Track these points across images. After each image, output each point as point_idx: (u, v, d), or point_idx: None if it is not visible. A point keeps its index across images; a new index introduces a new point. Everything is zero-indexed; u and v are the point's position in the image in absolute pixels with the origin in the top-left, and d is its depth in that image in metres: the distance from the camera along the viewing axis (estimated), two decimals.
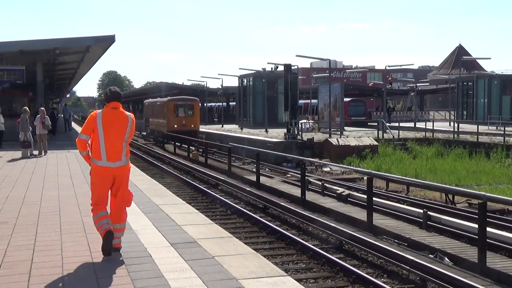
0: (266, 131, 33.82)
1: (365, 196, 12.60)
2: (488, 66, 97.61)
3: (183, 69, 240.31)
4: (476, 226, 9.08)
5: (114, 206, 6.24)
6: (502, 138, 26.06)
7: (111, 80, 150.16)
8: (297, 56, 44.28)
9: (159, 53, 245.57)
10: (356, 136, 28.43)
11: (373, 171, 14.41)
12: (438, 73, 78.56)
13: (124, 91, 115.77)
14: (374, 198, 12.50)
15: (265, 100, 38.00)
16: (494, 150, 24.44)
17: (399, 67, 59.99)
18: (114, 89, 6.29)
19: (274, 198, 14.85)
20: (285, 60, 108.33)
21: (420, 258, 8.58)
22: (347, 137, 28.34)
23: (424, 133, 31.80)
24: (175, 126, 36.18)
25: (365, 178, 14.76)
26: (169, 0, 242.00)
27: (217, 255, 6.12)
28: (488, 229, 9.15)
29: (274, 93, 41.40)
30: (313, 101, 45.33)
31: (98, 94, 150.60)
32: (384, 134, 29.95)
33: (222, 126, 43.72)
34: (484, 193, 9.20)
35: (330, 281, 8.16)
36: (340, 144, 26.13)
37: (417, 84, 64.19)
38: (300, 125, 30.33)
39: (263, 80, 39.94)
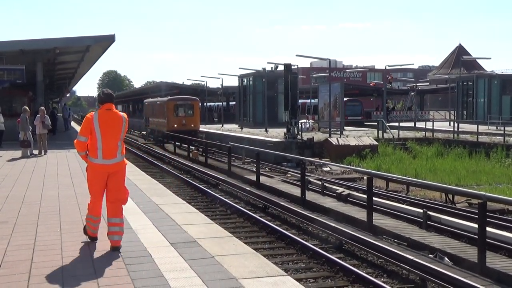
0: (266, 130, 33.83)
1: (365, 196, 12.60)
2: (488, 66, 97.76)
3: (183, 69, 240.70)
4: (476, 226, 9.08)
5: (110, 202, 6.45)
6: (502, 138, 26.06)
7: (111, 80, 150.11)
8: (297, 56, 44.18)
9: (159, 53, 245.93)
10: (356, 136, 28.43)
11: (373, 171, 14.42)
12: (438, 73, 78.60)
13: (124, 90, 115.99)
14: (374, 198, 12.49)
15: (265, 99, 37.99)
16: (494, 150, 24.44)
17: (399, 67, 60.04)
18: (107, 91, 6.61)
19: (274, 197, 14.85)
20: (285, 59, 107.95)
21: (420, 258, 8.58)
22: (347, 136, 28.34)
23: (424, 133, 31.80)
24: (175, 125, 36.19)
25: (365, 177, 14.76)
26: (169, 0, 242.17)
27: (217, 254, 6.12)
28: (488, 229, 9.15)
29: (274, 93, 41.40)
30: (312, 100, 45.35)
31: (98, 93, 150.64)
32: (384, 134, 29.95)
33: (222, 126, 43.72)
34: (484, 193, 9.20)
35: (330, 280, 8.16)
36: (340, 143, 26.13)
37: (417, 84, 64.11)
38: (300, 125, 30.35)
39: (263, 80, 39.95)
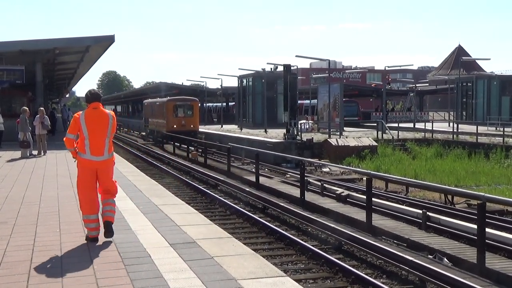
0: (266, 131, 33.84)
1: (364, 197, 12.60)
2: (488, 67, 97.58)
3: (183, 69, 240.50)
4: (475, 226, 9.09)
5: (101, 193, 6.96)
6: (501, 138, 26.09)
7: (111, 80, 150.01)
8: (296, 56, 44.45)
9: (159, 53, 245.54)
10: (356, 137, 28.45)
11: (372, 172, 14.40)
12: (438, 73, 78.57)
13: (124, 91, 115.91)
14: (373, 199, 12.49)
15: (264, 100, 38.00)
16: (493, 150, 24.47)
17: (398, 68, 59.93)
18: (94, 90, 6.97)
19: (274, 198, 14.86)
20: (285, 60, 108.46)
21: (419, 259, 8.59)
22: (347, 137, 28.36)
23: (423, 133, 31.83)
24: (175, 126, 36.18)
25: (365, 178, 14.77)
26: (169, 0, 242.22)
27: (216, 255, 6.13)
28: (487, 229, 9.17)
29: (273, 94, 41.41)
30: (312, 101, 45.33)
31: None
32: (384, 135, 29.99)
33: (222, 126, 43.72)
34: (483, 193, 9.22)
35: (329, 281, 8.16)
36: (340, 144, 26.14)
37: (417, 85, 64.13)
38: (299, 126, 30.36)
39: (263, 81, 39.96)
